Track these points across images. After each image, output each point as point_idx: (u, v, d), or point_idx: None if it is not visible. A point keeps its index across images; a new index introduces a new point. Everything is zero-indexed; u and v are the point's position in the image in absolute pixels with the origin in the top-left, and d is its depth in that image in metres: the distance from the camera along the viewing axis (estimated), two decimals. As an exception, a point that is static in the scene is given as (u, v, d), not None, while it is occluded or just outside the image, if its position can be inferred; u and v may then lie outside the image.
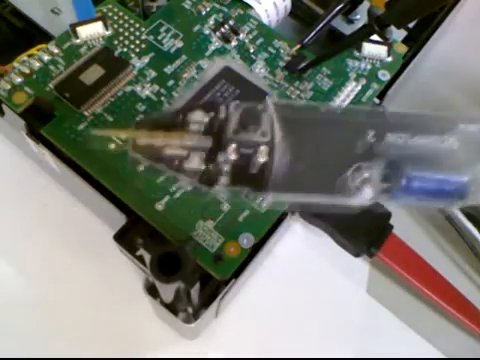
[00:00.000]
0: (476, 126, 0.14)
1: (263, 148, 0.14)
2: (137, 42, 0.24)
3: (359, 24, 0.29)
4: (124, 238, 0.20)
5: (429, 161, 0.14)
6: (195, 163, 0.14)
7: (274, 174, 0.14)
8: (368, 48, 0.25)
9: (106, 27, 0.24)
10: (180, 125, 0.14)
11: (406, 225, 0.26)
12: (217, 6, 0.26)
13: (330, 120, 0.14)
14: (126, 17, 0.25)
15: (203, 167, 0.14)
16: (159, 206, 0.20)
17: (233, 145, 0.14)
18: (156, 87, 0.23)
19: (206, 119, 0.14)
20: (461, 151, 0.14)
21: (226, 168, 0.14)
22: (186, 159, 0.14)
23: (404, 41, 0.27)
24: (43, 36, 0.26)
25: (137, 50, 0.24)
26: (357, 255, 0.22)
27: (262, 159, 0.14)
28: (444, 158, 0.14)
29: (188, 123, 0.14)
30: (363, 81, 0.24)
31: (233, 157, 0.14)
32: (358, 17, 0.29)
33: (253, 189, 0.14)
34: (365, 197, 0.14)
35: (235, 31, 0.25)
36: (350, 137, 0.14)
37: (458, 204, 0.14)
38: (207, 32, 0.25)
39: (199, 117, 0.14)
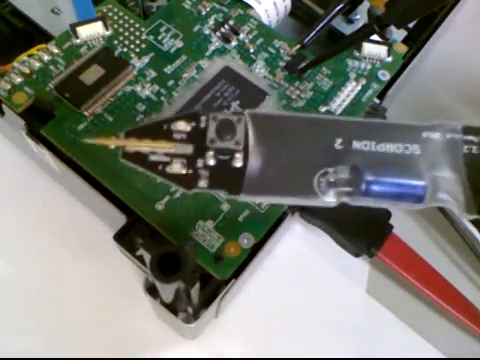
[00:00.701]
0: (437, 134, 0.16)
1: (238, 155, 0.15)
2: (137, 42, 0.24)
3: (359, 24, 0.29)
4: (124, 238, 0.20)
5: (392, 167, 0.15)
6: (177, 168, 0.15)
7: (248, 178, 0.15)
8: (368, 48, 0.25)
9: (106, 27, 0.24)
10: (165, 134, 0.15)
11: (406, 225, 0.26)
12: (217, 6, 0.26)
13: (301, 129, 0.16)
14: (126, 17, 0.25)
15: (184, 172, 0.15)
16: (159, 206, 0.20)
17: (211, 152, 0.15)
18: (156, 87, 0.23)
19: (188, 128, 0.15)
20: (422, 158, 0.15)
21: (205, 173, 0.15)
22: (169, 164, 0.15)
23: (404, 41, 0.27)
24: (43, 36, 0.26)
25: (137, 50, 0.24)
26: (357, 255, 0.22)
27: (237, 165, 0.15)
28: (406, 164, 0.15)
29: (172, 132, 0.15)
30: (363, 81, 0.24)
31: (211, 163, 0.15)
32: (358, 17, 0.29)
33: (229, 192, 0.15)
34: (330, 200, 0.15)
35: (235, 31, 0.25)
36: (318, 144, 0.16)
37: (416, 207, 0.15)
38: (207, 32, 0.25)
39: (182, 127, 0.15)
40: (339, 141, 0.15)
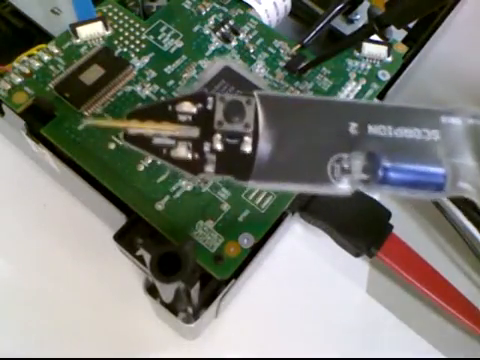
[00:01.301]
0: (457, 119, 0.15)
1: (247, 139, 0.14)
2: (137, 42, 0.24)
3: (359, 24, 0.29)
4: (124, 238, 0.20)
5: (410, 153, 0.14)
6: (182, 152, 0.14)
7: (257, 163, 0.14)
8: (368, 48, 0.25)
9: (106, 27, 0.24)
10: (169, 115, 0.14)
11: (406, 225, 0.26)
12: (217, 6, 0.26)
13: (313, 112, 0.15)
14: (126, 17, 0.25)
15: (190, 156, 0.14)
16: (159, 206, 0.20)
17: (218, 135, 0.14)
18: (156, 87, 0.23)
19: (194, 110, 0.15)
20: (441, 143, 0.14)
21: (212, 157, 0.14)
22: (174, 148, 0.14)
23: (404, 41, 0.27)
24: (43, 36, 0.26)
25: (137, 50, 0.24)
26: (357, 255, 0.22)
27: (246, 149, 0.14)
28: (425, 150, 0.14)
29: (177, 113, 0.14)
30: (363, 81, 0.24)
31: (218, 147, 0.14)
32: (358, 17, 0.29)
33: (237, 177, 0.15)
34: (344, 187, 0.14)
35: (235, 31, 0.25)
36: (332, 129, 0.15)
37: (436, 196, 0.15)
38: (207, 32, 0.25)
39: (187, 108, 0.14)
40: (354, 125, 0.14)
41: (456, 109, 0.15)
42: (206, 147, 0.14)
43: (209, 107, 0.15)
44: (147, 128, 0.14)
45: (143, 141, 0.14)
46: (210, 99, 0.15)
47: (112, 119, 0.15)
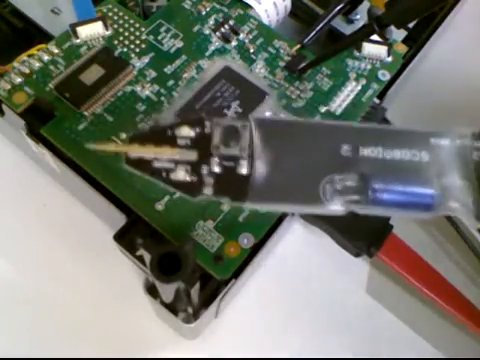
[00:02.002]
0: (446, 140, 0.15)
1: (243, 162, 0.15)
2: (137, 42, 0.24)
3: (359, 24, 0.29)
4: (124, 238, 0.20)
5: (400, 174, 0.15)
6: (181, 175, 0.15)
7: (253, 185, 0.15)
8: (368, 48, 0.25)
9: (106, 27, 0.24)
10: (169, 140, 0.15)
11: (406, 225, 0.26)
12: (217, 6, 0.26)
13: (307, 135, 0.16)
14: (126, 17, 0.25)
15: (188, 178, 0.15)
16: (159, 206, 0.20)
17: (216, 159, 0.15)
18: (156, 87, 0.23)
19: (192, 134, 0.15)
20: (431, 164, 0.15)
21: (209, 180, 0.15)
22: (173, 171, 0.15)
23: (404, 41, 0.27)
24: (43, 36, 0.26)
25: (137, 50, 0.24)
26: (357, 255, 0.22)
27: (242, 172, 0.15)
28: (414, 171, 0.15)
29: (176, 138, 0.15)
30: (363, 81, 0.24)
31: (216, 170, 0.15)
32: (358, 17, 0.29)
33: (234, 199, 0.15)
34: (336, 208, 0.15)
35: (235, 31, 0.25)
36: (325, 151, 0.15)
37: (425, 216, 0.15)
38: (207, 32, 0.25)
39: (186, 132, 0.15)
40: (346, 147, 0.15)
41: (445, 131, 0.15)
42: (204, 170, 0.15)
43: (207, 131, 0.15)
44: (147, 152, 0.15)
45: (144, 164, 0.15)
46: (208, 123, 0.15)
47: (114, 144, 0.15)
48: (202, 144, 0.15)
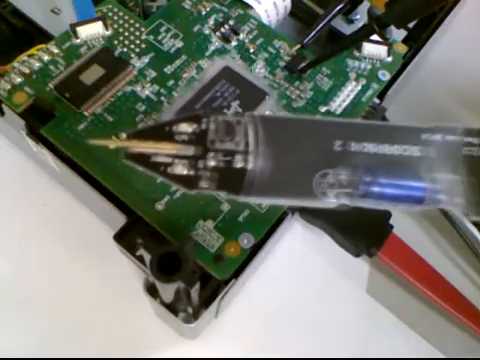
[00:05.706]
0: (437, 136, 0.16)
1: (238, 156, 0.15)
2: (137, 42, 0.24)
3: (359, 24, 0.29)
4: (124, 238, 0.20)
5: (391, 168, 0.15)
6: (179, 169, 0.15)
7: (248, 179, 0.15)
8: (368, 48, 0.25)
9: (106, 27, 0.24)
10: (167, 136, 0.16)
11: (406, 225, 0.26)
12: (217, 6, 0.26)
13: (300, 130, 0.16)
14: (126, 17, 0.25)
15: (186, 172, 0.15)
16: (159, 206, 0.20)
17: (212, 153, 0.15)
18: (156, 87, 0.23)
19: (190, 130, 0.16)
20: (422, 159, 0.15)
21: (206, 173, 0.15)
22: (171, 165, 0.15)
23: (404, 41, 0.27)
24: (43, 36, 0.26)
25: (137, 50, 0.24)
26: (357, 255, 0.22)
27: (237, 166, 0.15)
28: (406, 166, 0.15)
29: (174, 134, 0.16)
30: (363, 81, 0.24)
31: (212, 164, 0.15)
32: (358, 17, 0.29)
33: (230, 193, 0.16)
34: (329, 201, 0.15)
35: (235, 31, 0.25)
36: (318, 146, 0.16)
37: (416, 208, 0.16)
38: (207, 32, 0.25)
39: (184, 128, 0.16)
40: (338, 143, 0.16)
41: (436, 127, 0.16)
42: (201, 164, 0.15)
43: (203, 127, 0.16)
44: (147, 147, 0.15)
45: (143, 159, 0.15)
46: (205, 120, 0.16)
47: (115, 140, 0.16)
48: (199, 140, 0.16)
